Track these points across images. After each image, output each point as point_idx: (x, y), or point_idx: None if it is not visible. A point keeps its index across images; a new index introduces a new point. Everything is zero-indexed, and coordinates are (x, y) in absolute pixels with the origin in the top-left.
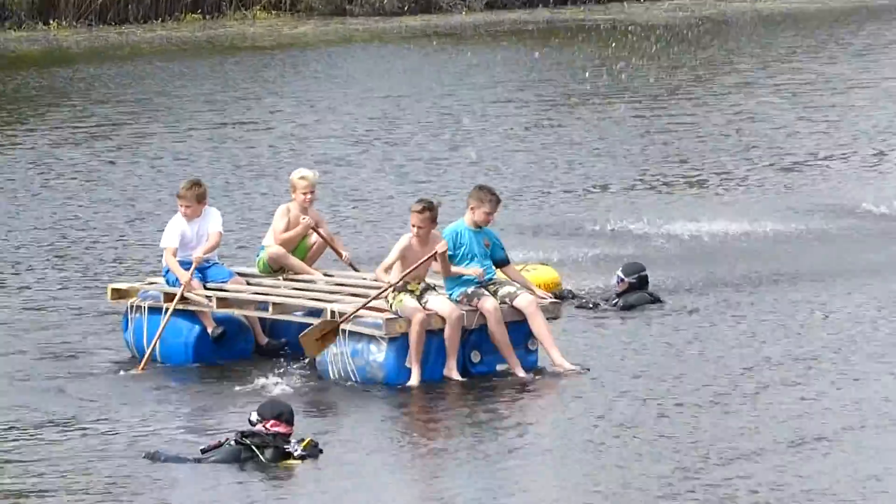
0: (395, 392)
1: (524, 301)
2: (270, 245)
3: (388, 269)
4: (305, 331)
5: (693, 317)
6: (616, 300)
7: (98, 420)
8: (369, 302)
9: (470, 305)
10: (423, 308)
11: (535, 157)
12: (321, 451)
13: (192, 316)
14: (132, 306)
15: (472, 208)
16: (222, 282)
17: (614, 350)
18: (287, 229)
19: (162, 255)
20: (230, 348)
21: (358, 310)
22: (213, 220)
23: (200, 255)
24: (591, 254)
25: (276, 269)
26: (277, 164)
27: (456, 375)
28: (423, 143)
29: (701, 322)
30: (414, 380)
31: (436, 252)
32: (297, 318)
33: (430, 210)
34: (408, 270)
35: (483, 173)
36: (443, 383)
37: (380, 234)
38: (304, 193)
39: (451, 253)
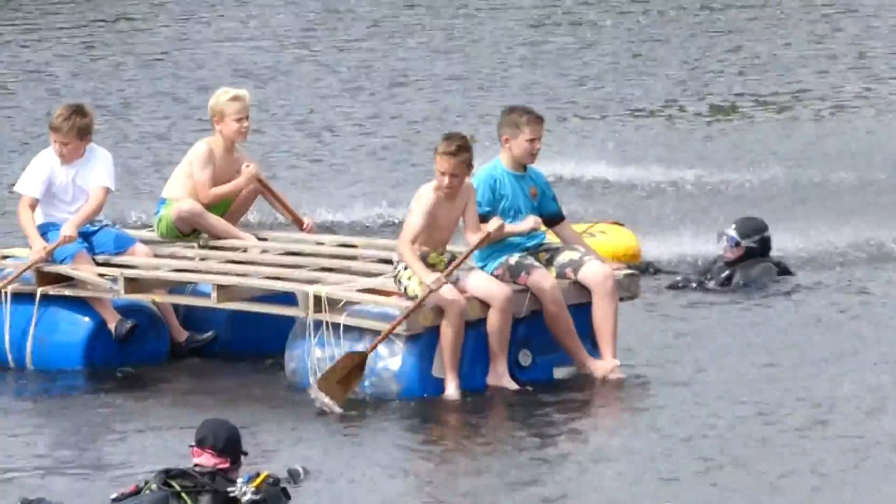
0: (412, 405)
1: (595, 272)
2: (179, 199)
3: (415, 241)
4: (322, 375)
5: (841, 296)
6: (727, 273)
7: None
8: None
9: (515, 283)
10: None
11: (557, 55)
12: (285, 494)
13: (83, 305)
14: None
15: (506, 140)
16: (118, 252)
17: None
18: (214, 179)
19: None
20: (137, 348)
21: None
22: (98, 168)
23: (74, 225)
24: (674, 209)
25: (186, 232)
26: (175, 79)
27: (509, 383)
28: (385, 49)
29: (852, 305)
30: (451, 391)
31: (488, 235)
32: (247, 305)
33: (466, 151)
34: (466, 254)
35: (483, 88)
36: (483, 395)
37: (333, 185)
38: (238, 120)
39: (485, 210)
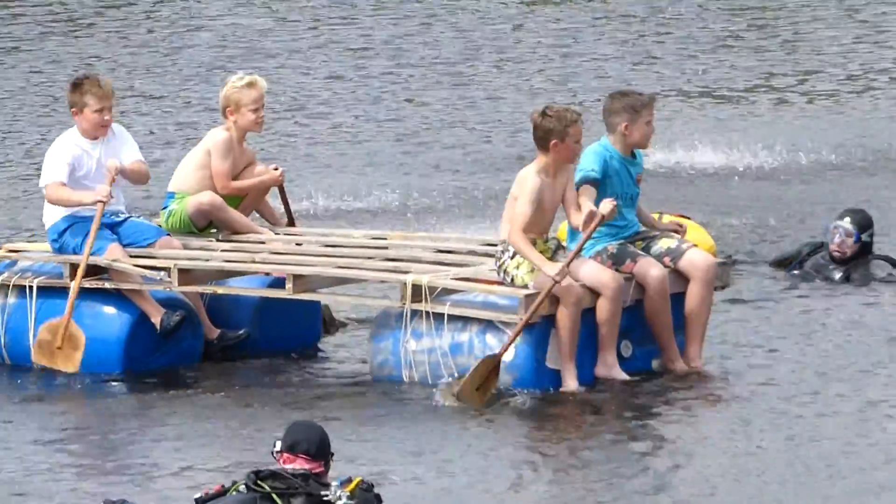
0: (523, 398)
1: (699, 260)
2: (192, 191)
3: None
4: (462, 381)
5: None
6: (842, 271)
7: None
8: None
9: (619, 271)
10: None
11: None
12: (378, 500)
13: (119, 299)
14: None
15: (625, 126)
16: (148, 244)
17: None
18: (232, 172)
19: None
20: (174, 346)
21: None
22: (127, 144)
23: (119, 165)
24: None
25: (201, 226)
26: (172, 62)
27: (619, 374)
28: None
29: None
30: (571, 383)
31: (602, 217)
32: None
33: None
34: (583, 240)
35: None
36: (593, 387)
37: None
38: (255, 110)
39: (595, 176)
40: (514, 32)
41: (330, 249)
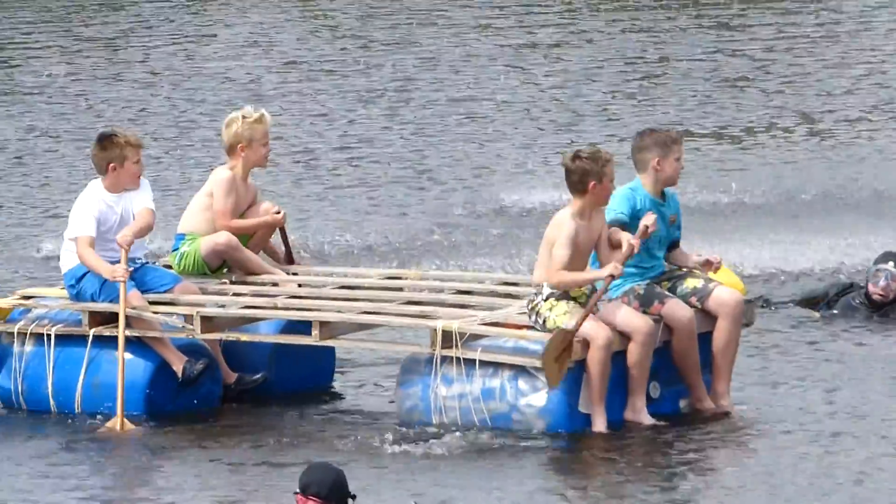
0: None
1: (727, 298)
2: (203, 232)
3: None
4: (544, 350)
5: None
6: (874, 311)
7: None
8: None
9: (646, 313)
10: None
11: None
12: None
13: (139, 346)
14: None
15: (657, 163)
16: (165, 290)
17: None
18: (236, 210)
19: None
20: (194, 391)
21: (586, 315)
22: (143, 190)
23: (130, 235)
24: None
25: (214, 267)
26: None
27: (646, 418)
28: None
29: None
30: (600, 424)
31: (646, 229)
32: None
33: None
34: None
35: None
36: (622, 430)
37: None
38: (265, 144)
39: (623, 220)
40: (514, 74)
41: (347, 292)
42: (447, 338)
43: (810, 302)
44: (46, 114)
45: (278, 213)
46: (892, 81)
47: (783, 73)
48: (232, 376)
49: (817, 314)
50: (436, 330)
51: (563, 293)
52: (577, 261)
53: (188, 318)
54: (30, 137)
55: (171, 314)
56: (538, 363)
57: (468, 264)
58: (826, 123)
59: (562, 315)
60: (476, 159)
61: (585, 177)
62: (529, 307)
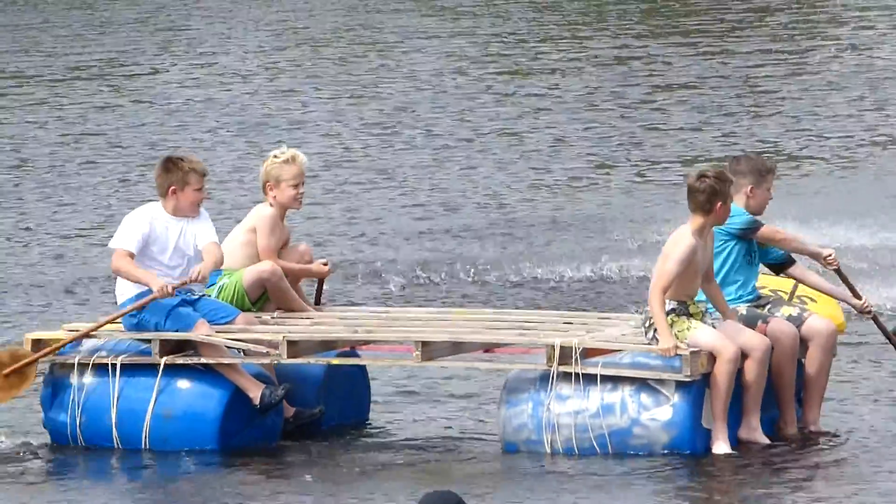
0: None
1: (821, 326)
2: (237, 268)
3: (667, 290)
4: None
5: None
6: None
7: None
8: None
9: None
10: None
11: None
12: None
13: (211, 374)
14: (72, 365)
15: (751, 190)
16: (227, 322)
17: None
18: (279, 249)
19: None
20: (260, 423)
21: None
22: (205, 224)
23: (206, 272)
24: None
25: (255, 298)
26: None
27: (762, 437)
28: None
29: None
30: (723, 445)
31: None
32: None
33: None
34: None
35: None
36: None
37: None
38: (296, 186)
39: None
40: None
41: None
42: (563, 355)
43: None
44: None
45: (325, 264)
46: None
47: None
48: (290, 410)
49: None
50: (553, 346)
51: (684, 309)
52: (691, 280)
53: (271, 344)
54: None
55: (255, 341)
56: (664, 376)
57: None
58: None
59: (680, 332)
60: None
61: (714, 197)
62: (647, 324)
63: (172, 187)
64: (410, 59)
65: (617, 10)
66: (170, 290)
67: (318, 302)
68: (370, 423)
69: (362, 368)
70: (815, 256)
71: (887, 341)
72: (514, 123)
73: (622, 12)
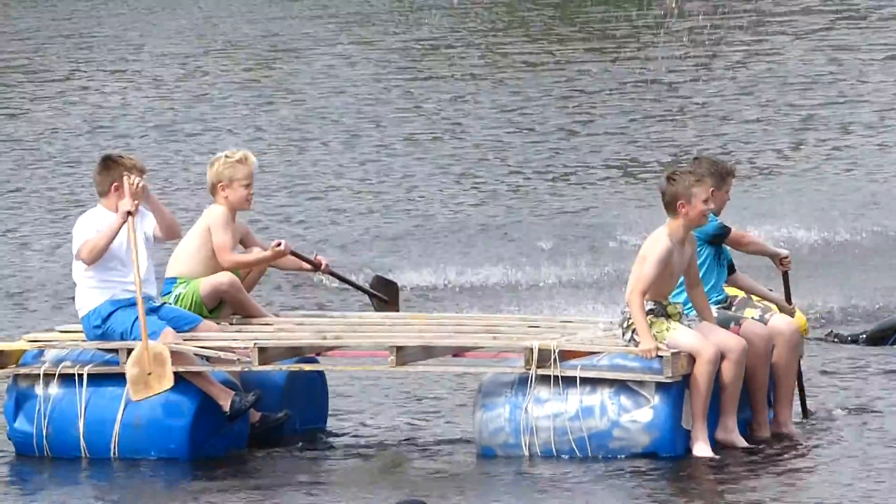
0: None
1: (783, 324)
2: (195, 275)
3: (646, 292)
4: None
5: None
6: None
7: None
8: None
9: None
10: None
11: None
12: None
13: (177, 382)
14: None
15: (713, 190)
16: (190, 329)
17: None
18: (233, 246)
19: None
20: (228, 431)
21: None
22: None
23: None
24: None
25: (210, 308)
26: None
27: (738, 439)
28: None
29: None
30: (703, 447)
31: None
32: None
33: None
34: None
35: None
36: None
37: None
38: (247, 186)
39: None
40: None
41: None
42: (541, 357)
43: (880, 335)
44: None
45: (279, 245)
46: None
47: None
48: (256, 415)
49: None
50: (531, 349)
51: (661, 310)
52: (667, 282)
53: (241, 352)
54: None
55: (224, 349)
56: (646, 378)
57: None
58: None
59: (660, 333)
60: None
61: (675, 197)
62: (625, 325)
63: (115, 184)
64: (326, 64)
65: (531, 17)
66: (129, 207)
67: (317, 264)
68: (339, 429)
69: (321, 374)
70: (774, 257)
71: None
72: (426, 128)
73: (535, 18)
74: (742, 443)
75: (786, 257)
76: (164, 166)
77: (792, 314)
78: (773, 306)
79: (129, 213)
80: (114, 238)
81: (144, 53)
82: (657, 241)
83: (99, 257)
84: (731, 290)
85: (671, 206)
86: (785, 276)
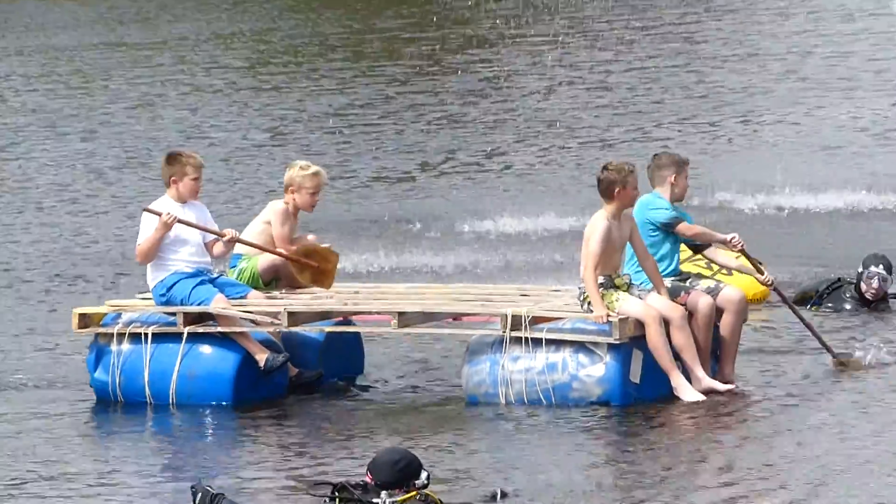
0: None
1: (733, 295)
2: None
3: (597, 267)
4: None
5: None
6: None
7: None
8: None
9: (675, 302)
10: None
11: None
12: None
13: (225, 341)
14: (112, 335)
15: (674, 178)
16: (241, 297)
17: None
18: (290, 238)
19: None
20: (268, 382)
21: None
22: (205, 211)
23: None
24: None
25: (267, 281)
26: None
27: (715, 383)
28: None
29: None
30: (688, 391)
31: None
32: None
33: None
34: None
35: None
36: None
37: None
38: (312, 194)
39: (675, 217)
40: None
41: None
42: (515, 322)
43: (804, 298)
44: None
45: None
46: None
47: None
48: (293, 370)
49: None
50: (506, 315)
51: (610, 282)
52: (611, 257)
53: (275, 315)
54: None
55: (262, 313)
56: (599, 339)
57: None
58: None
59: (612, 303)
60: None
61: (612, 185)
62: (582, 298)
63: (173, 177)
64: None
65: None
66: (169, 218)
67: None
68: (356, 384)
69: (357, 334)
70: (723, 242)
71: (788, 308)
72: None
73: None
74: (720, 386)
75: (732, 239)
76: None
77: (769, 284)
78: (727, 279)
79: (167, 223)
80: (157, 243)
81: None
82: (596, 222)
83: (149, 259)
84: (693, 267)
85: (608, 192)
86: (743, 252)
